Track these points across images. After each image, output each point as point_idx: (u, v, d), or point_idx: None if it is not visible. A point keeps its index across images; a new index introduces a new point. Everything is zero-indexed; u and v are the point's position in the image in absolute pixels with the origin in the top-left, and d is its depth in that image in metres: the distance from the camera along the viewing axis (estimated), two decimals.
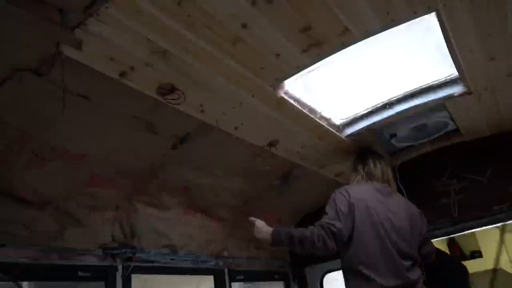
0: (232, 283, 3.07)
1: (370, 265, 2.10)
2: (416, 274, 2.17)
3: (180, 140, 2.19)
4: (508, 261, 4.54)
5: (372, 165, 2.56)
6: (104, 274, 2.21)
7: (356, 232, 2.19)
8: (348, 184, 2.58)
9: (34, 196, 1.89)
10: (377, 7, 1.58)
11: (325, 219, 2.19)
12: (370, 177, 2.52)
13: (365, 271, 2.08)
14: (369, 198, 2.30)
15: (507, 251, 4.50)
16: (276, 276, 3.65)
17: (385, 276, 2.06)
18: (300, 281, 3.73)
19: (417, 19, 1.68)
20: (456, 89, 2.29)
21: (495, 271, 4.29)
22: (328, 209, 2.27)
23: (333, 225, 2.13)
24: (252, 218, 2.27)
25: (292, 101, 2.14)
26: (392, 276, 2.07)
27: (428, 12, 1.64)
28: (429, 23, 1.73)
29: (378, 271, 2.08)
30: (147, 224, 2.48)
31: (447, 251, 4.74)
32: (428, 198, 3.03)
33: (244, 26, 1.54)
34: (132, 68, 1.59)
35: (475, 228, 3.03)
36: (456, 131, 2.88)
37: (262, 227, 2.21)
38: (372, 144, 2.81)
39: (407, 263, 2.15)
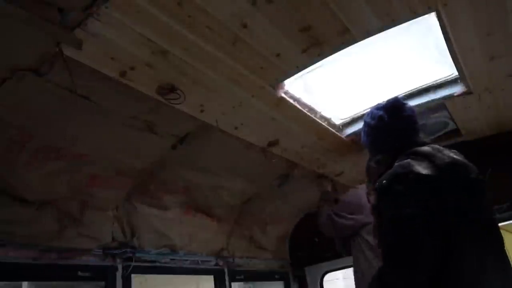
0: (232, 283, 3.07)
1: None
2: None
3: (180, 140, 2.19)
4: None
5: None
6: (104, 274, 2.21)
7: None
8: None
9: (34, 196, 1.89)
10: (377, 7, 1.58)
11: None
12: None
13: None
14: None
15: (507, 251, 4.47)
16: (276, 276, 3.66)
17: None
18: (300, 281, 3.74)
19: (417, 19, 1.68)
20: (456, 89, 2.28)
21: None
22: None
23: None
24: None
25: (292, 101, 2.14)
26: None
27: (428, 12, 1.63)
28: (429, 23, 1.73)
29: None
30: (147, 224, 2.48)
31: None
32: None
33: (244, 26, 1.54)
34: (132, 68, 1.58)
35: None
36: (456, 131, 2.88)
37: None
38: None
39: None
